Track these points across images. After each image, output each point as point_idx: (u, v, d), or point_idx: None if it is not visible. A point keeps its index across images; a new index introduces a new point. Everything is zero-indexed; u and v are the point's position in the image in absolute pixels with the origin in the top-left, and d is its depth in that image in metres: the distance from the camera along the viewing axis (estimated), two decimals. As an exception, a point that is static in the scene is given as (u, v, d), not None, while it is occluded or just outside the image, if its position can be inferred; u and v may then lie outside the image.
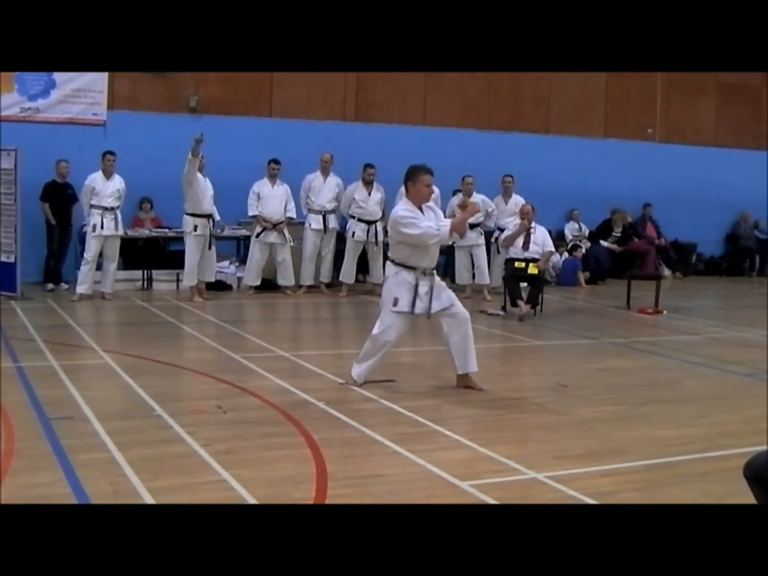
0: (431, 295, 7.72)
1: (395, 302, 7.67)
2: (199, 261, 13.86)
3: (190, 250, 13.75)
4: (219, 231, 14.67)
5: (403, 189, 14.57)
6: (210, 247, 13.92)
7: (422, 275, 7.71)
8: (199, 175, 13.52)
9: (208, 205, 13.77)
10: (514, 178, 15.61)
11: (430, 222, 7.65)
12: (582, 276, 17.49)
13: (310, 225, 15.04)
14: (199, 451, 5.84)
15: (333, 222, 15.25)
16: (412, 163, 7.91)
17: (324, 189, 15.13)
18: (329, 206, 15.13)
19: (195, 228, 13.66)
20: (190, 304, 13.22)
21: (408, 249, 7.67)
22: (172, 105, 16.29)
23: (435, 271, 7.92)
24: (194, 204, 13.62)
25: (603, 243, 18.78)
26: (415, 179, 7.70)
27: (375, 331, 7.82)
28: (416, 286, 7.67)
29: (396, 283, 7.70)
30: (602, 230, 19.16)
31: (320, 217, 15.03)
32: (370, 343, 7.86)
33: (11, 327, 10.34)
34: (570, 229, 18.89)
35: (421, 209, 7.74)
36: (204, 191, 13.64)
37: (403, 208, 7.73)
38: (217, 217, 14.21)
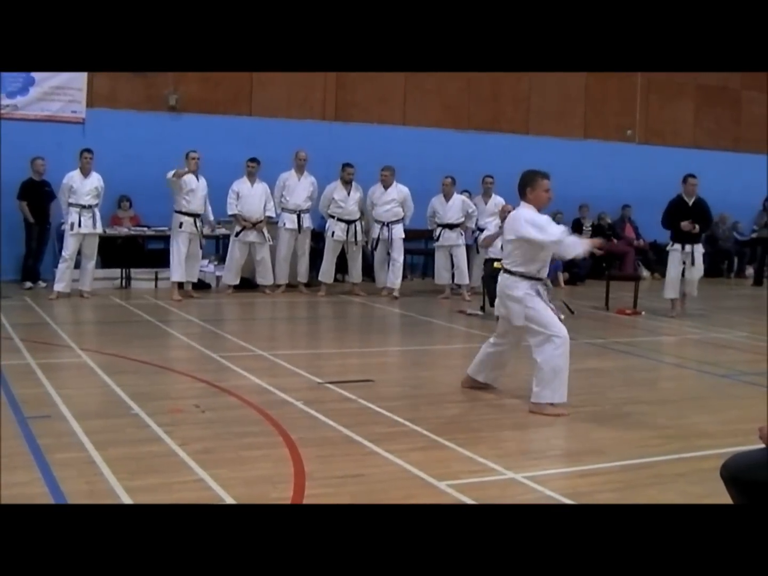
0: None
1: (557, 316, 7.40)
2: (187, 261, 14.01)
3: (175, 247, 13.83)
4: (211, 231, 14.72)
5: (375, 188, 14.74)
6: (201, 247, 14.03)
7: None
8: (189, 177, 13.69)
9: (197, 206, 13.87)
10: (494, 179, 15.62)
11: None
12: (561, 277, 17.52)
13: (284, 224, 14.96)
14: (176, 450, 5.82)
15: (307, 221, 15.18)
16: (529, 169, 7.56)
17: (298, 188, 15.03)
18: (304, 205, 15.05)
19: (180, 225, 13.76)
20: (169, 303, 13.17)
21: (540, 262, 7.40)
22: (151, 103, 16.22)
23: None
24: (181, 204, 13.80)
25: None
26: (534, 185, 7.41)
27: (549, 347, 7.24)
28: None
29: (543, 300, 7.36)
30: (574, 229, 19.23)
31: (295, 217, 14.95)
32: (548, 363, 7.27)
33: (-12, 325, 10.29)
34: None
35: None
36: (194, 192, 13.82)
37: (531, 213, 7.37)
38: (211, 217, 14.37)
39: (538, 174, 7.48)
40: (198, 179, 13.87)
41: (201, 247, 14.08)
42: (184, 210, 13.76)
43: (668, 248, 13.57)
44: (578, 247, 7.45)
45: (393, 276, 14.98)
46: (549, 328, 7.24)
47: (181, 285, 13.96)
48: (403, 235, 15.16)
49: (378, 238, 15.05)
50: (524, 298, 7.32)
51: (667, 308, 13.39)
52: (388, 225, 14.96)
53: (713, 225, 20.60)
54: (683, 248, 13.22)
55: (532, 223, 7.27)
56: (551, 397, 7.18)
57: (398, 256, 15.06)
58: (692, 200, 13.30)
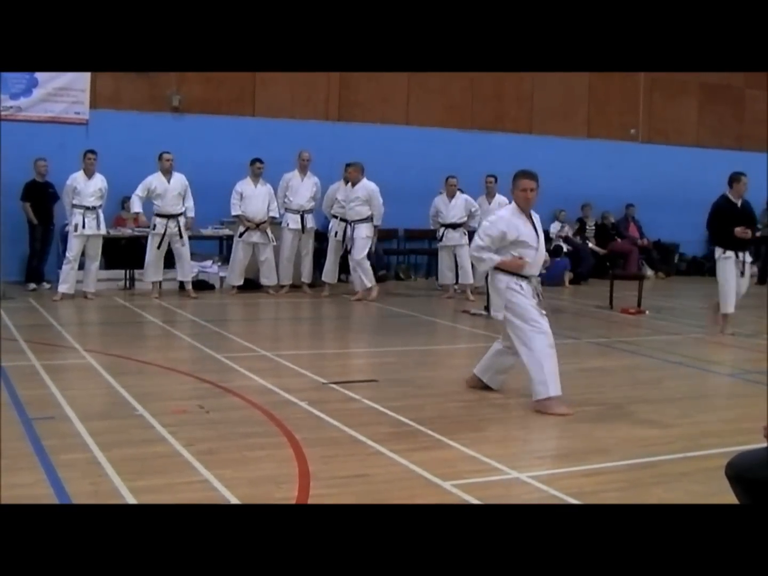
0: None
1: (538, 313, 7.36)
2: (176, 262, 14.25)
3: (148, 248, 14.11)
4: (186, 228, 14.68)
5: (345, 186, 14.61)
6: (171, 247, 14.13)
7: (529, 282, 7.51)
8: (157, 180, 13.93)
9: (168, 207, 13.98)
10: (497, 178, 15.56)
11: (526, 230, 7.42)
12: (567, 276, 17.51)
13: (288, 225, 14.95)
14: (180, 451, 5.82)
15: (311, 221, 15.16)
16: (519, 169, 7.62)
17: (302, 188, 15.02)
18: (308, 205, 15.03)
19: (153, 227, 14.01)
20: (171, 304, 13.20)
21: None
22: (154, 104, 16.24)
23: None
24: (154, 206, 14.02)
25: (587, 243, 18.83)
26: (513, 184, 7.48)
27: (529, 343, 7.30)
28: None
29: (526, 297, 7.37)
30: (578, 229, 19.25)
31: (298, 217, 14.95)
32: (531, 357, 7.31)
33: (-8, 326, 10.30)
34: (555, 229, 18.90)
35: (530, 216, 7.51)
36: (162, 194, 13.96)
37: (504, 211, 7.54)
38: (189, 213, 14.21)
39: (520, 173, 7.53)
40: (169, 181, 13.98)
41: (169, 245, 14.12)
42: (155, 212, 14.02)
43: (718, 257, 11.50)
44: (487, 264, 7.48)
45: (365, 279, 14.38)
46: (529, 322, 7.28)
47: (189, 284, 14.21)
48: (366, 236, 14.40)
49: (343, 238, 14.62)
50: (505, 292, 7.36)
51: (671, 307, 13.35)
52: (351, 224, 14.44)
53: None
54: (737, 256, 11.35)
55: (482, 230, 7.46)
56: (546, 392, 7.16)
57: (359, 256, 14.34)
58: (740, 201, 11.62)
